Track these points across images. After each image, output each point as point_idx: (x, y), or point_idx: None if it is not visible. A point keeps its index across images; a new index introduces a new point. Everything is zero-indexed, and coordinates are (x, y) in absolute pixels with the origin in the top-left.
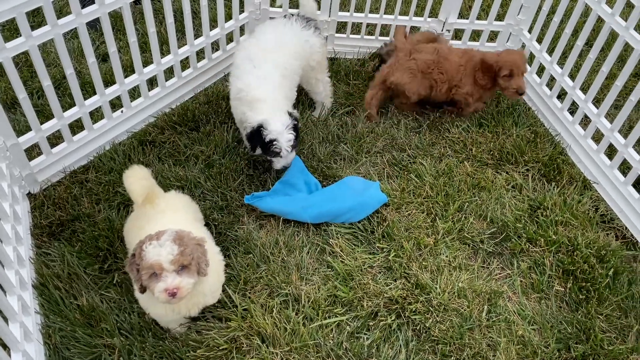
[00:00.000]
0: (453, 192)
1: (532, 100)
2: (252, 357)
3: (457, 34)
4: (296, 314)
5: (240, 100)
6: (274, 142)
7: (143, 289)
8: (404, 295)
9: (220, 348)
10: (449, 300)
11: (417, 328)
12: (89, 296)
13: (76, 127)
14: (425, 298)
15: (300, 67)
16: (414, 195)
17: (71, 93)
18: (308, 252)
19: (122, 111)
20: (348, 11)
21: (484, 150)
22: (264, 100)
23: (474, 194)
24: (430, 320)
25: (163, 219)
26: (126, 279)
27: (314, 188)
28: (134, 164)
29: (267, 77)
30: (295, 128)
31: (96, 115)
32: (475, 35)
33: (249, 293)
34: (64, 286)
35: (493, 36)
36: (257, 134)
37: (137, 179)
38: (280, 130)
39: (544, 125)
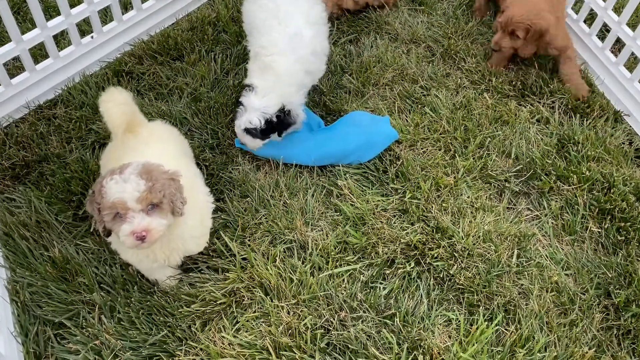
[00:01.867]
0: (473, 127)
1: None
2: (255, 312)
3: None
4: (302, 262)
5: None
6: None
7: (107, 232)
8: (424, 240)
9: (217, 302)
10: (474, 244)
11: (440, 276)
12: (62, 246)
13: (39, 55)
14: (447, 243)
15: None
16: (429, 131)
17: (32, 18)
18: (313, 195)
19: (92, 37)
20: None
21: (504, 81)
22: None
23: (495, 128)
24: (455, 267)
25: (147, 151)
26: None
27: (315, 127)
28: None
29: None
30: (277, 122)
31: (63, 42)
32: None
33: (248, 241)
34: (32, 236)
35: None
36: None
37: (116, 104)
38: (253, 108)
39: None
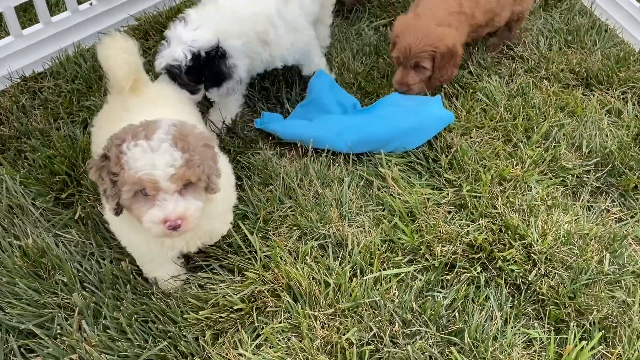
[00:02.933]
0: (535, 115)
1: (612, 17)
2: (281, 322)
3: None
4: (340, 263)
5: None
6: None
7: (119, 209)
8: (490, 240)
9: (233, 309)
10: (552, 247)
11: (515, 283)
12: (37, 236)
13: (27, 19)
14: (520, 244)
15: None
16: (484, 118)
17: None
18: (349, 186)
19: (91, 3)
20: None
21: (564, 69)
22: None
23: (560, 118)
24: (534, 273)
25: (152, 111)
26: (93, 213)
27: (350, 109)
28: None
29: None
30: (206, 61)
31: (56, 7)
32: None
33: (272, 235)
34: (1, 222)
35: None
36: None
37: (121, 51)
38: (179, 40)
39: (630, 46)
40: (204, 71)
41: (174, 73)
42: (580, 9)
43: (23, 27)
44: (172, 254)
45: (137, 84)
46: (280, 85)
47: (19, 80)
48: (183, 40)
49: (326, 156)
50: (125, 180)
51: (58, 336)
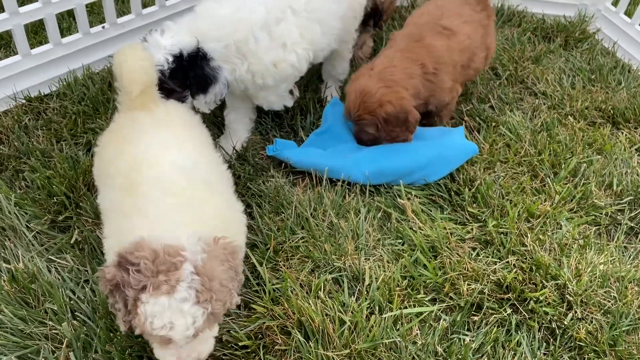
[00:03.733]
0: (562, 151)
1: (635, 58)
2: None
3: None
4: (356, 299)
5: None
6: None
7: (131, 329)
8: (520, 279)
9: (238, 345)
10: (587, 290)
11: (549, 327)
12: (29, 260)
13: (36, 39)
14: (553, 284)
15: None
16: (508, 153)
17: None
18: (366, 217)
19: (103, 27)
20: None
21: (589, 107)
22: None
23: (588, 154)
24: (569, 316)
25: (161, 135)
26: (90, 237)
27: None
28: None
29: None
30: (189, 62)
31: (68, 31)
32: None
33: (282, 267)
34: None
35: None
36: None
37: (137, 59)
38: (158, 45)
39: None
40: (189, 74)
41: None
42: (601, 49)
43: (33, 49)
44: None
45: (147, 100)
46: (294, 112)
47: (23, 101)
48: (162, 46)
49: (342, 186)
50: (140, 328)
51: None
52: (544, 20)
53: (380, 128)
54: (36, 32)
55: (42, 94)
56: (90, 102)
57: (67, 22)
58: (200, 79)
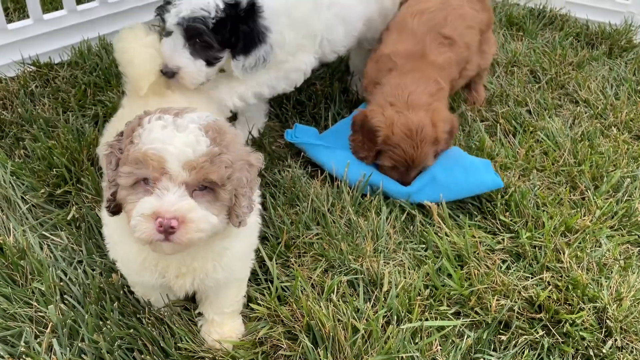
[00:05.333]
0: (604, 163)
1: None
2: None
3: None
4: (372, 306)
5: None
6: None
7: (115, 207)
8: (555, 298)
9: (239, 347)
10: (630, 315)
11: (586, 354)
12: (20, 234)
13: (50, 3)
14: (591, 306)
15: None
16: (545, 161)
17: None
18: (387, 218)
19: None
20: None
21: (634, 119)
22: None
23: (633, 169)
24: (609, 344)
25: None
26: (89, 215)
27: None
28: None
29: None
30: (245, 16)
31: None
32: None
33: (294, 263)
34: None
35: None
36: None
37: (141, 45)
38: None
39: None
40: (239, 29)
41: (195, 29)
42: None
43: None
44: (158, 283)
45: (160, 85)
46: (317, 101)
47: (32, 67)
48: None
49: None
50: (127, 158)
51: (22, 356)
52: (588, 26)
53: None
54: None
55: (53, 62)
56: (103, 73)
57: None
58: (249, 37)
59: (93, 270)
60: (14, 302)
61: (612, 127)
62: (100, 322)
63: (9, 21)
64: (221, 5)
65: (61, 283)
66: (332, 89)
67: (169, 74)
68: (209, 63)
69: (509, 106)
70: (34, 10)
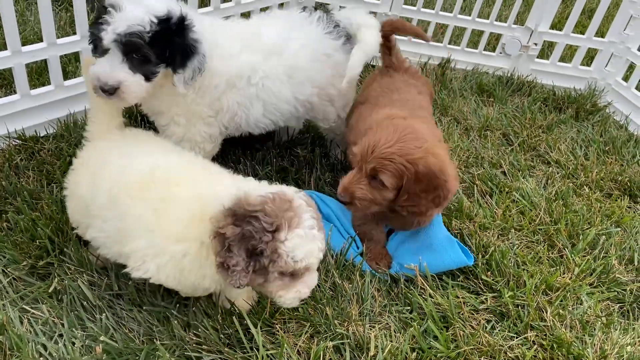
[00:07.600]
0: (579, 221)
1: None
2: None
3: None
4: None
5: None
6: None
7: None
8: (541, 357)
9: None
10: None
11: None
12: (0, 309)
13: (37, 78)
14: None
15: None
16: (522, 220)
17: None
18: (371, 281)
19: None
20: (414, 5)
21: (604, 178)
22: None
23: (607, 226)
24: None
25: (150, 157)
26: (71, 287)
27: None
28: None
29: None
30: (177, 29)
31: (73, 72)
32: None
33: (279, 330)
34: None
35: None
36: None
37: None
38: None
39: None
40: (173, 42)
41: (133, 44)
42: (614, 122)
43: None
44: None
45: (119, 120)
46: (299, 166)
47: (17, 141)
48: (144, 4)
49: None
50: (281, 267)
51: None
52: (554, 92)
53: (404, 184)
54: (40, 74)
55: (39, 135)
56: None
57: (73, 66)
58: (183, 50)
59: (74, 344)
60: None
61: (584, 186)
62: None
63: None
64: (155, 20)
65: (40, 358)
66: (313, 155)
67: (110, 91)
68: (147, 78)
69: (484, 168)
70: (22, 86)
